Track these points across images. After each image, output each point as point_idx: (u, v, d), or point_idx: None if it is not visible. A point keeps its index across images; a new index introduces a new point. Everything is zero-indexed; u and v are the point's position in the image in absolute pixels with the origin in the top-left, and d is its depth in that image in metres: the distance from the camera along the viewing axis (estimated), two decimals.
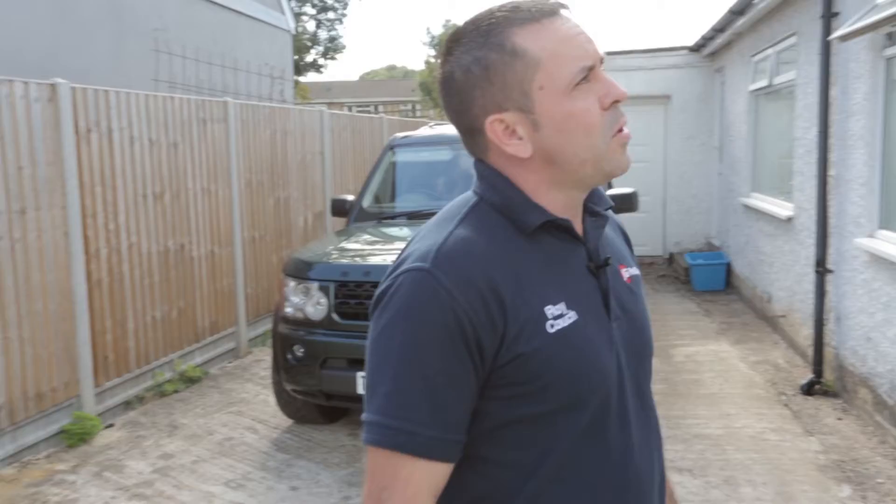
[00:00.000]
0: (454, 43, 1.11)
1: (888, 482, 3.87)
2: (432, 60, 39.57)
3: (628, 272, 1.23)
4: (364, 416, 1.06)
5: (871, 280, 4.60)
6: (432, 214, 4.79)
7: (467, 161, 5.79)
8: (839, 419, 4.76)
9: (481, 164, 1.15)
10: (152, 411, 5.26)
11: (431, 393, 1.02)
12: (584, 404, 1.09)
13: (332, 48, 28.13)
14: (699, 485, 3.90)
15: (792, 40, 6.43)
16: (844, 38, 4.73)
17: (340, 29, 35.62)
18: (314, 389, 4.43)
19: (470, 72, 1.08)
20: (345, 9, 28.24)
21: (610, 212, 1.25)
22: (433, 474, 1.04)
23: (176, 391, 5.63)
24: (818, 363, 5.33)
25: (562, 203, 1.12)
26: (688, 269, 9.27)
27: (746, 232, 8.09)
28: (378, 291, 1.08)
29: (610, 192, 5.24)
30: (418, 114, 35.79)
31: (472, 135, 1.13)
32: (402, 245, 5.07)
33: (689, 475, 4.01)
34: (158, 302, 5.66)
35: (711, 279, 8.94)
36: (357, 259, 4.68)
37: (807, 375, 5.38)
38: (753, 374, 5.73)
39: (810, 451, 4.29)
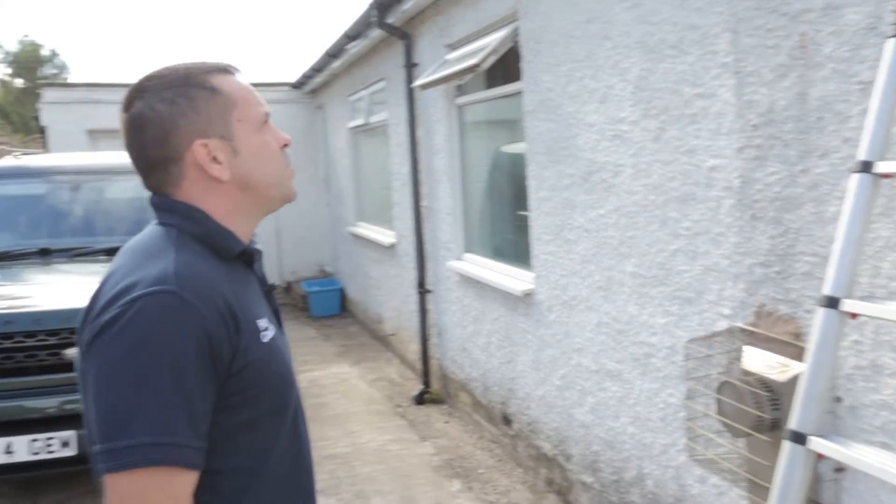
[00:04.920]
0: (141, 89, 1.23)
1: (487, 471, 4.51)
2: (8, 78, 34.99)
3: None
4: (113, 445, 1.04)
5: (462, 297, 5.31)
6: (28, 255, 4.31)
7: (69, 194, 5.37)
8: (446, 422, 5.39)
9: (168, 198, 1.26)
10: None
11: (189, 407, 1.08)
12: (287, 406, 1.27)
13: None
14: None
15: (382, 84, 7.11)
16: (423, 86, 5.41)
17: None
18: None
19: (175, 103, 1.21)
20: None
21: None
22: (192, 485, 1.10)
23: None
24: (426, 375, 5.96)
25: (247, 230, 1.31)
26: (305, 297, 9.62)
27: (356, 259, 8.69)
28: (104, 320, 1.09)
29: None
30: None
31: (164, 166, 1.24)
32: None
33: (322, 496, 4.20)
34: None
35: (328, 305, 9.39)
36: None
37: (417, 387, 5.98)
38: (373, 391, 6.19)
39: (426, 454, 4.79)
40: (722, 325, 2.66)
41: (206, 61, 1.27)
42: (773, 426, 2.21)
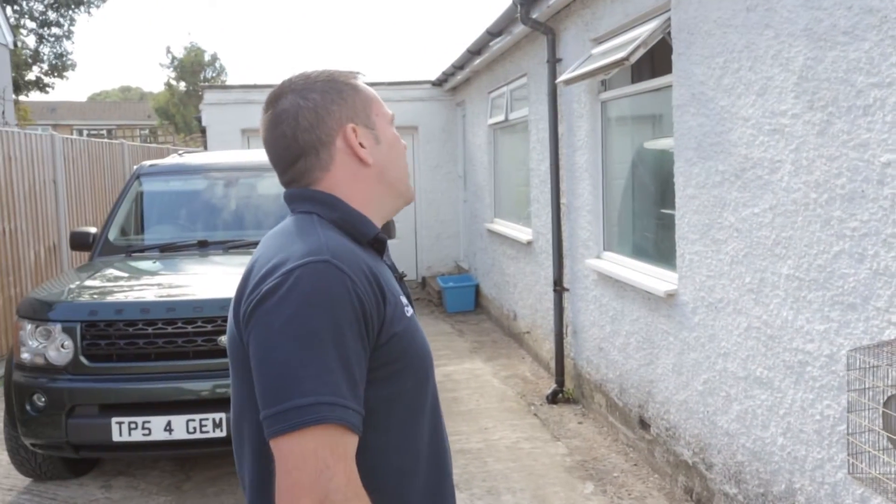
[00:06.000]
0: (289, 87, 1.33)
1: (621, 475, 4.38)
2: (174, 83, 37.64)
3: None
4: (282, 407, 1.06)
5: (600, 296, 5.20)
6: (188, 247, 4.57)
7: (224, 190, 5.71)
8: (580, 423, 5.30)
9: (305, 189, 1.31)
10: None
11: (348, 371, 1.10)
12: (428, 381, 1.30)
13: (60, 66, 25.67)
14: (464, 498, 4.14)
15: (523, 80, 7.08)
16: (567, 82, 5.33)
17: (68, 45, 32.38)
18: (59, 442, 4.05)
19: (327, 93, 1.32)
20: (72, 25, 25.94)
21: None
22: (355, 450, 1.11)
23: None
24: (560, 373, 5.89)
25: (380, 222, 1.36)
26: (440, 292, 9.75)
27: (491, 255, 8.71)
28: (263, 290, 1.14)
29: None
30: (159, 139, 33.82)
31: (316, 151, 1.30)
32: (153, 279, 4.73)
33: (455, 490, 4.22)
34: None
35: (462, 300, 9.47)
36: (106, 296, 4.35)
37: (551, 385, 5.92)
38: (505, 388, 6.18)
39: (558, 454, 4.72)
40: (892, 333, 2.45)
41: (339, 69, 1.38)
42: None
